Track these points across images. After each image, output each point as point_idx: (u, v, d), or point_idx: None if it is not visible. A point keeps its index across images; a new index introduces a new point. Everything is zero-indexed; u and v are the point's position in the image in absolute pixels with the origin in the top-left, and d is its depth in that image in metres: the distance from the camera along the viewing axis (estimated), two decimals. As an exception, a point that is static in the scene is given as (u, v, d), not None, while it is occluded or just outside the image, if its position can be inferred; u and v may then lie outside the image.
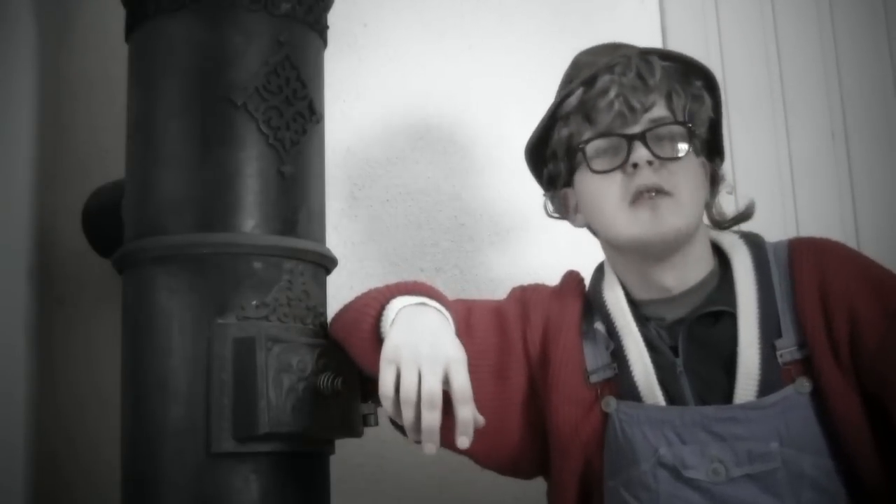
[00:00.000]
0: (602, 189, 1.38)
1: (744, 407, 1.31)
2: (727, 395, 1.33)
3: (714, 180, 1.47)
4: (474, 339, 1.45)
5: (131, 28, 1.56)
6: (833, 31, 2.10)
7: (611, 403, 1.38)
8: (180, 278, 1.43)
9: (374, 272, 1.89)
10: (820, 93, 2.07)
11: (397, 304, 1.36)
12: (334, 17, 1.65)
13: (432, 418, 1.22)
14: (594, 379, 1.41)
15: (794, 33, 2.10)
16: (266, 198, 1.47)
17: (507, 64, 2.03)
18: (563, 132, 1.43)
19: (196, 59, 1.48)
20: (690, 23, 2.06)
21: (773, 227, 1.97)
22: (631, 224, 1.36)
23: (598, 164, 1.38)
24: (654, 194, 1.34)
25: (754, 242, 1.44)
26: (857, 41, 2.09)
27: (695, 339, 1.37)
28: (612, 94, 1.37)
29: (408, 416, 1.24)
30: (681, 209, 1.35)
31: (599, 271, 1.50)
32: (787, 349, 1.34)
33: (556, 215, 1.52)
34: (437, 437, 1.23)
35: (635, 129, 1.37)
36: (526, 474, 1.52)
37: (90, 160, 1.87)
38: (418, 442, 1.25)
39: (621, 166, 1.36)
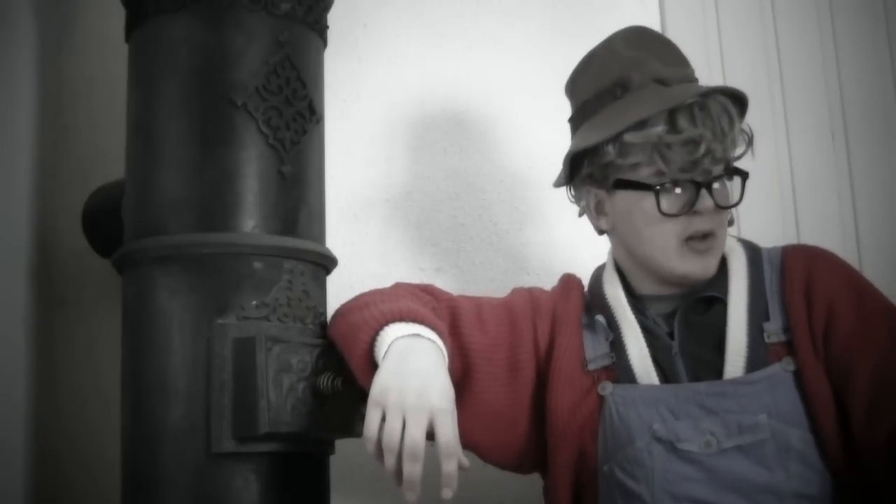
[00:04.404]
0: (661, 227, 1.41)
1: (734, 382, 1.38)
2: (718, 372, 1.40)
3: None
4: (487, 332, 1.49)
5: (131, 28, 1.56)
6: (833, 31, 2.09)
7: (606, 387, 1.44)
8: (180, 278, 1.43)
9: (374, 272, 1.88)
10: (820, 93, 2.07)
11: (391, 334, 1.34)
12: (334, 18, 1.65)
13: (413, 470, 1.22)
14: (592, 367, 1.46)
15: (794, 33, 2.09)
16: (266, 198, 1.47)
17: (507, 65, 2.03)
18: (621, 150, 1.41)
19: (196, 59, 1.48)
20: (690, 23, 2.06)
21: (773, 227, 1.98)
22: (681, 263, 1.42)
23: (666, 206, 1.40)
24: (706, 239, 1.41)
25: (751, 246, 1.52)
26: (857, 41, 2.09)
27: (689, 323, 1.44)
28: (702, 148, 1.37)
29: (389, 463, 1.24)
30: (720, 248, 1.45)
31: (599, 269, 1.56)
32: (774, 331, 1.41)
33: (579, 206, 1.52)
34: (417, 487, 1.22)
35: (704, 176, 1.40)
36: (528, 469, 1.54)
37: (90, 160, 1.86)
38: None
39: (687, 212, 1.40)
